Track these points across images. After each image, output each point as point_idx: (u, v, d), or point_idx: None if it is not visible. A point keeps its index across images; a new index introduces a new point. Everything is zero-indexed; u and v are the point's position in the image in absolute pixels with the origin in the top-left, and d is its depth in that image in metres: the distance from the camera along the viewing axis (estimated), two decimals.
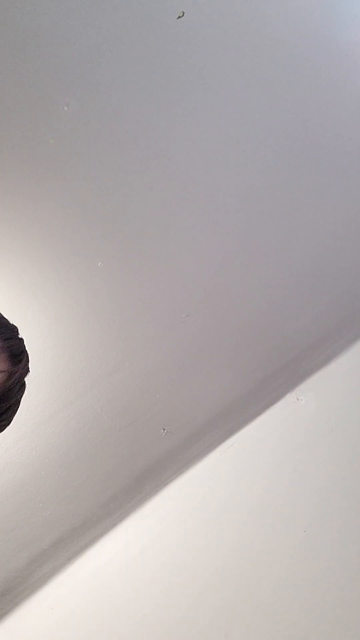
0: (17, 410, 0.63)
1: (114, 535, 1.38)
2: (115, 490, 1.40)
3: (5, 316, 0.67)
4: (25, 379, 0.65)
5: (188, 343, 1.44)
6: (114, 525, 1.40)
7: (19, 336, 0.66)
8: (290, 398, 1.47)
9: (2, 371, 0.59)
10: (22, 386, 0.64)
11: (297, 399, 1.46)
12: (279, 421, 1.44)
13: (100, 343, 1.38)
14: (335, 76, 1.43)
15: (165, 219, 1.38)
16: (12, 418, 0.62)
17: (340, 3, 1.40)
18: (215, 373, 1.47)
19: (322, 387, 1.46)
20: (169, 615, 1.19)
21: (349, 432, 1.33)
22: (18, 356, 0.62)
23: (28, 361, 0.66)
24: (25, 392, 0.65)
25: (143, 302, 1.40)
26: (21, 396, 0.64)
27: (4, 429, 0.62)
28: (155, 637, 1.17)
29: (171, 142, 1.35)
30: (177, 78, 1.31)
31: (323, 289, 1.51)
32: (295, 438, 1.39)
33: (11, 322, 0.67)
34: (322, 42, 1.40)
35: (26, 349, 0.66)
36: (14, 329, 0.65)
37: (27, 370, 0.65)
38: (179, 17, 1.24)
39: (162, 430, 1.43)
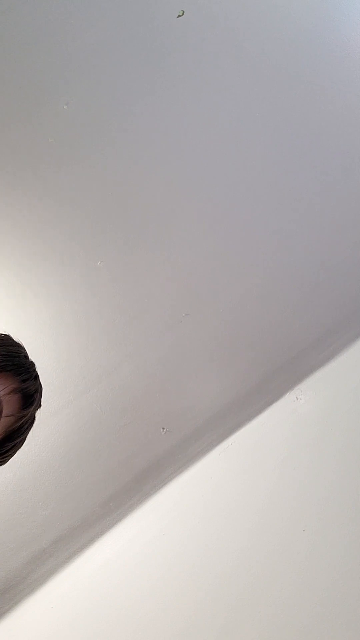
0: (22, 445, 0.63)
1: (114, 534, 1.38)
2: (114, 489, 1.40)
3: (26, 352, 0.66)
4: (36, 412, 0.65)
5: (188, 342, 1.44)
6: (113, 524, 1.40)
7: (35, 373, 0.65)
8: (289, 397, 1.47)
9: (10, 415, 0.58)
10: (31, 423, 0.64)
11: (297, 398, 1.46)
12: (278, 420, 1.44)
13: (100, 342, 1.38)
14: (336, 74, 1.43)
15: (165, 219, 1.38)
16: (16, 452, 0.62)
17: (340, 2, 1.40)
18: (214, 372, 1.47)
19: (322, 386, 1.46)
20: (169, 615, 1.19)
21: (348, 430, 1.33)
22: (31, 397, 0.62)
23: (41, 396, 0.65)
24: None
25: (143, 301, 1.40)
26: (28, 433, 0.63)
27: (6, 462, 0.62)
28: (155, 636, 1.17)
29: (171, 141, 1.35)
30: (177, 77, 1.31)
31: (323, 288, 1.51)
32: (295, 437, 1.39)
33: (30, 357, 0.66)
34: (322, 40, 1.40)
35: (41, 384, 0.66)
36: (30, 369, 0.64)
37: (39, 407, 0.65)
38: (179, 16, 1.25)
39: (162, 429, 1.43)
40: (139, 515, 1.39)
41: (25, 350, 0.66)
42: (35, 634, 1.26)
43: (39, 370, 0.67)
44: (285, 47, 1.38)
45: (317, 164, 1.46)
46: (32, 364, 0.65)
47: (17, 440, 0.61)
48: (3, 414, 0.56)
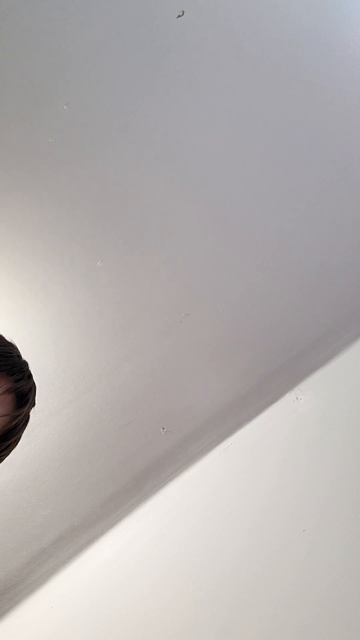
0: (17, 444, 0.63)
1: (113, 534, 1.38)
2: (114, 490, 1.40)
3: (18, 350, 0.66)
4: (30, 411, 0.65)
5: (187, 342, 1.44)
6: (113, 524, 1.40)
7: (29, 372, 0.65)
8: (289, 397, 1.47)
9: (5, 415, 0.58)
10: (25, 422, 0.64)
11: (297, 398, 1.46)
12: (278, 420, 1.44)
13: (100, 342, 1.38)
14: (336, 74, 1.43)
15: (165, 219, 1.38)
16: (11, 452, 0.63)
17: (340, 2, 1.40)
18: (214, 372, 1.47)
19: (322, 386, 1.46)
20: (169, 615, 1.19)
21: (348, 431, 1.33)
22: (25, 396, 0.62)
23: (35, 395, 0.66)
24: None
25: (143, 302, 1.40)
26: (22, 432, 0.64)
27: (1, 462, 0.62)
28: (155, 636, 1.17)
29: (171, 141, 1.35)
30: (177, 77, 1.31)
31: (323, 288, 1.51)
32: (295, 437, 1.39)
33: (22, 356, 0.66)
34: (322, 40, 1.40)
35: (34, 383, 0.66)
36: (24, 368, 0.64)
37: (33, 405, 0.65)
38: (179, 16, 1.25)
39: (162, 430, 1.43)
40: (139, 515, 1.38)
41: (17, 349, 0.66)
42: (35, 634, 1.26)
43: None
44: (285, 47, 1.38)
45: (317, 164, 1.46)
46: (25, 363, 0.65)
47: (12, 440, 0.61)
48: None
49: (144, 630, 1.18)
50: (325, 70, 1.42)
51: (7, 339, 0.66)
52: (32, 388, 0.65)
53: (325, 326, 1.53)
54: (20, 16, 1.18)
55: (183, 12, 1.24)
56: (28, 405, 0.63)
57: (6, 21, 1.17)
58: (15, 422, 0.60)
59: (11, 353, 0.63)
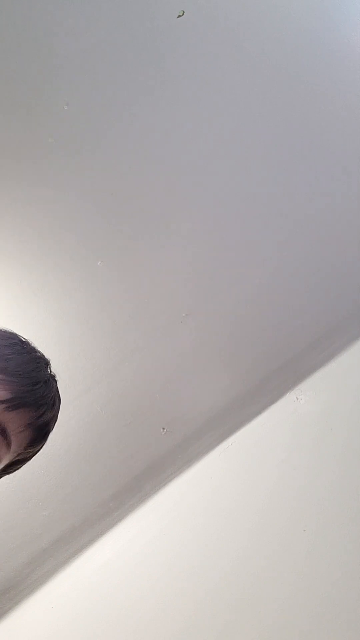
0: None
1: (114, 534, 1.38)
2: (114, 490, 1.40)
3: (45, 364, 0.60)
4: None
5: (188, 342, 1.44)
6: (113, 524, 1.40)
7: (53, 399, 0.59)
8: (289, 397, 1.47)
9: (15, 452, 0.54)
10: (33, 455, 0.60)
11: (297, 399, 1.46)
12: (278, 420, 1.44)
13: (100, 342, 1.38)
14: (336, 74, 1.43)
15: (165, 218, 1.38)
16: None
17: (340, 2, 1.40)
18: (214, 372, 1.47)
19: (322, 387, 1.46)
20: (169, 615, 1.19)
21: (348, 431, 1.33)
22: (43, 429, 0.57)
23: (55, 422, 0.61)
24: None
25: (142, 302, 1.40)
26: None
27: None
28: (155, 636, 1.17)
29: (171, 141, 1.35)
30: (177, 77, 1.31)
31: (323, 288, 1.51)
32: (295, 437, 1.39)
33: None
34: (322, 40, 1.40)
35: (58, 409, 0.60)
36: (49, 396, 0.58)
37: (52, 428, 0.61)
38: (179, 16, 1.24)
39: (162, 430, 1.43)
40: (139, 515, 1.39)
41: (45, 361, 0.60)
42: (35, 634, 1.26)
43: None
44: (285, 47, 1.38)
45: (317, 164, 1.46)
46: (53, 388, 0.59)
47: (13, 470, 0.60)
48: (11, 449, 0.53)
49: (144, 630, 1.18)
50: (325, 70, 1.42)
51: (35, 349, 0.59)
52: (54, 416, 0.60)
53: (325, 326, 1.53)
54: (20, 16, 1.18)
55: (183, 12, 1.24)
56: (44, 442, 0.59)
57: (6, 21, 1.17)
58: (20, 457, 0.57)
59: (38, 381, 0.56)
